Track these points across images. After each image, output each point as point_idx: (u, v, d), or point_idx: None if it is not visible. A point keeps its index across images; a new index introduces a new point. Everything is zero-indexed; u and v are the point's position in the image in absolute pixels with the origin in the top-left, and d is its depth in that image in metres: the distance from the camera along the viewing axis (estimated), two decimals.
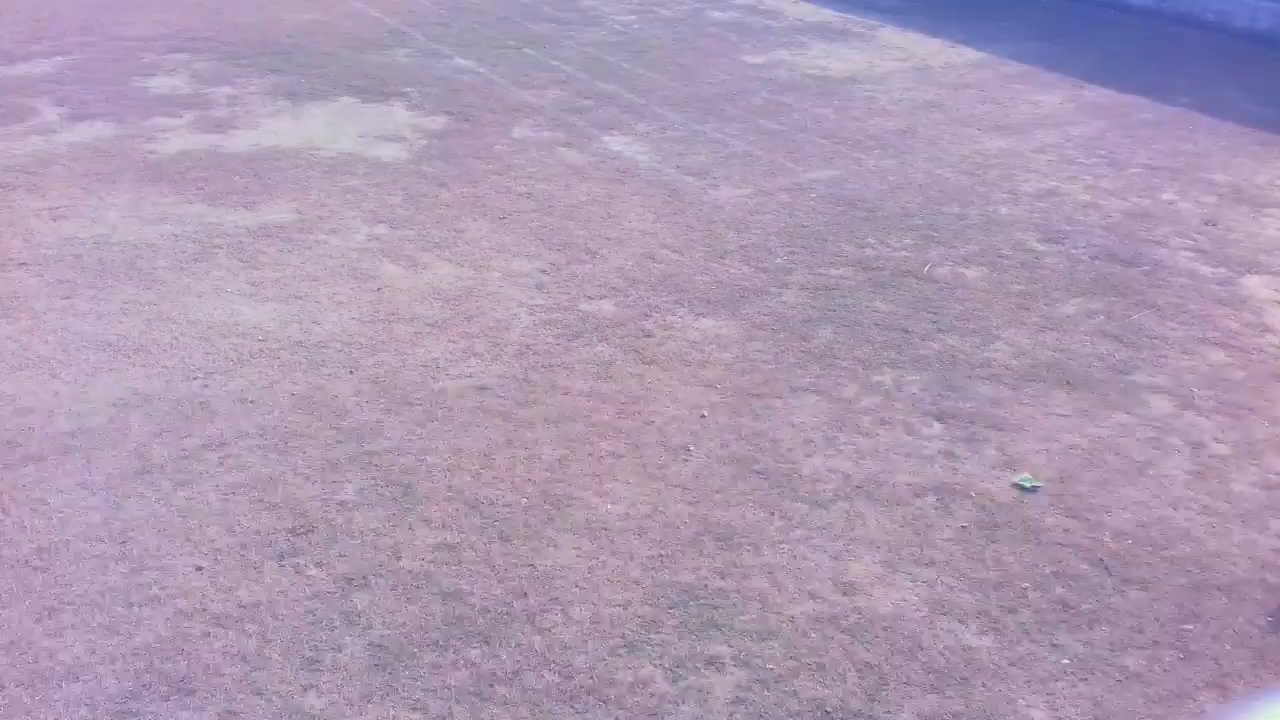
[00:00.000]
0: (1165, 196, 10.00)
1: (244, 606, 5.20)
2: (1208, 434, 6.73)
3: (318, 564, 5.47)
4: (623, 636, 5.12)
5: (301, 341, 7.31)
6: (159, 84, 12.02)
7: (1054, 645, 5.18)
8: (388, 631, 5.09)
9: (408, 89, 12.09)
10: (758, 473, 6.24)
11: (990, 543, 5.79)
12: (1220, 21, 15.26)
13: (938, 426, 6.70)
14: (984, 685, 4.96)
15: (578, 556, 5.59)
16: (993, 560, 5.67)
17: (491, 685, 4.84)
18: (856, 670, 5.00)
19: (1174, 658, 5.15)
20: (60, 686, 4.77)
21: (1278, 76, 13.38)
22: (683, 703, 4.80)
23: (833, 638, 5.17)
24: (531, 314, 7.75)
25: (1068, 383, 7.17)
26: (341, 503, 5.88)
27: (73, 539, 5.57)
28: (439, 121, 11.22)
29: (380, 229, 8.90)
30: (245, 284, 7.99)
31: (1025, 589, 5.50)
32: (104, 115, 11.06)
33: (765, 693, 4.87)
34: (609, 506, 5.94)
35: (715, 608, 5.30)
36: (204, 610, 5.18)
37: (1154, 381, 7.22)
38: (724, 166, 10.33)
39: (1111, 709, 4.87)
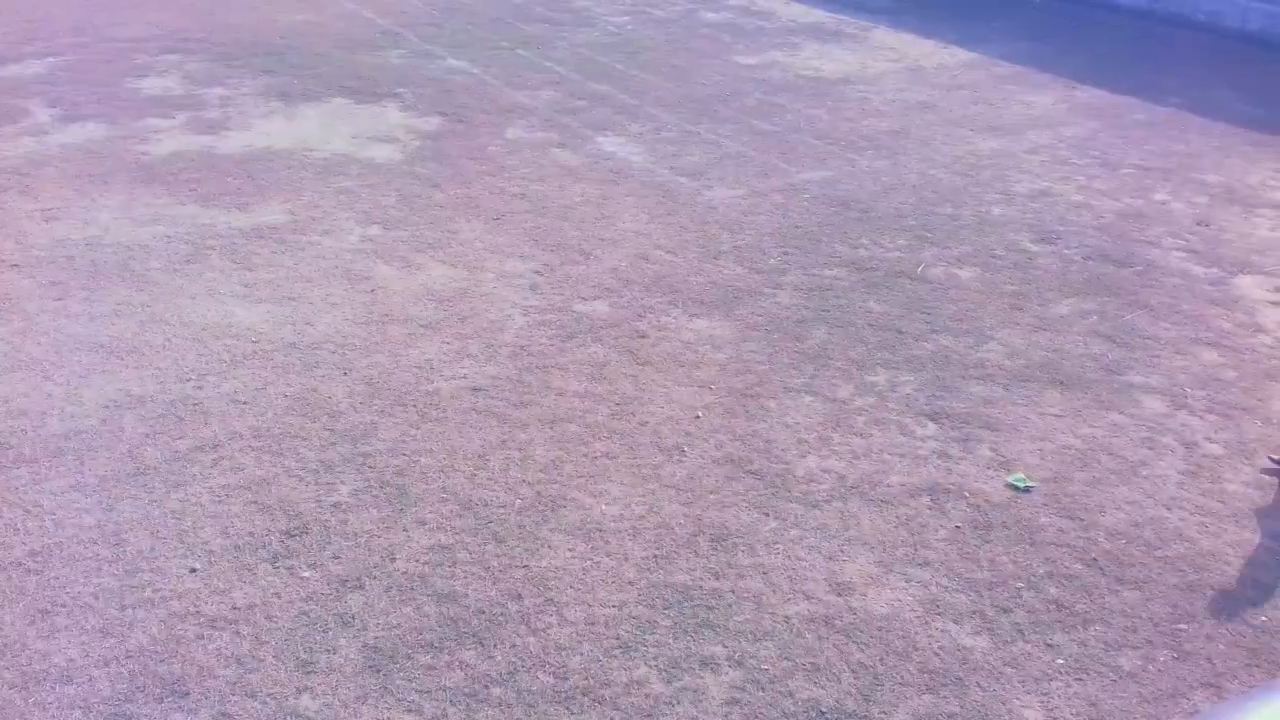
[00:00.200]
0: (1158, 197, 10.02)
1: (238, 608, 5.20)
2: (1201, 434, 6.74)
3: (312, 566, 5.46)
4: (617, 637, 5.12)
5: (295, 343, 7.30)
6: (151, 85, 12.01)
7: (1048, 645, 5.19)
8: (382, 633, 5.09)
9: (401, 90, 12.09)
10: (752, 473, 6.24)
11: (984, 543, 5.80)
12: (1211, 22, 15.30)
13: (931, 427, 6.71)
14: (979, 685, 4.97)
15: (572, 557, 5.58)
16: (987, 560, 5.68)
17: (486, 687, 4.84)
18: (851, 671, 5.00)
19: (1168, 657, 5.16)
20: (53, 689, 4.76)
21: (1269, 77, 13.42)
22: (678, 703, 4.80)
23: (827, 638, 5.17)
24: (525, 315, 7.74)
25: (1061, 383, 7.18)
26: (335, 504, 5.87)
27: (66, 541, 5.56)
28: (432, 122, 11.21)
29: (374, 230, 8.89)
30: (238, 285, 7.98)
31: (1019, 589, 5.51)
32: (96, 116, 11.04)
33: (760, 693, 4.87)
34: (603, 507, 5.93)
35: (710, 608, 5.30)
36: (198, 612, 5.17)
37: (1147, 381, 7.24)
38: (718, 167, 10.33)
39: (1106, 709, 4.88)
